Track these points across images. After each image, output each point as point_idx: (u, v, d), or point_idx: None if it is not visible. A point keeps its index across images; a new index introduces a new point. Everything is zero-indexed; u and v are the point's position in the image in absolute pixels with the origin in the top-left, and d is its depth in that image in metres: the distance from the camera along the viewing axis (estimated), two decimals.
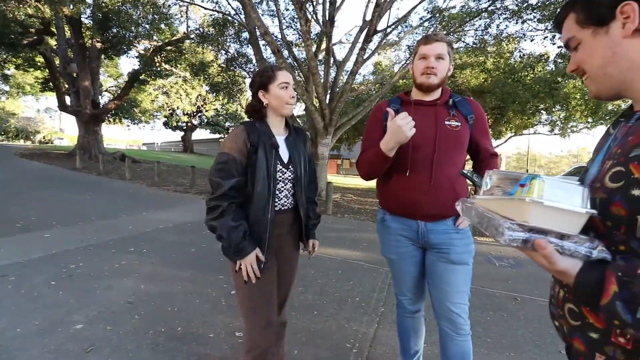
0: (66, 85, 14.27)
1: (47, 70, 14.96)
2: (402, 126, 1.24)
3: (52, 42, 13.92)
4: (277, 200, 1.40)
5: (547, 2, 8.26)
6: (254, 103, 1.43)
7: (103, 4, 12.05)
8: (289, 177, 1.43)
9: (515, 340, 2.40)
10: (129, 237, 4.34)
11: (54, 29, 12.95)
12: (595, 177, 0.64)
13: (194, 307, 2.58)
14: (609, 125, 0.75)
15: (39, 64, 15.48)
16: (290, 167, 1.43)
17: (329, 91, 9.40)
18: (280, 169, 1.40)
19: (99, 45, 13.31)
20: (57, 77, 13.99)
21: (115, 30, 12.66)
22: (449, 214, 1.43)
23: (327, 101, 8.90)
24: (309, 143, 1.60)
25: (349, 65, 9.54)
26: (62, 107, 14.31)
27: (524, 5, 8.70)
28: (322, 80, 8.52)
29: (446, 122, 1.41)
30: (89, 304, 2.51)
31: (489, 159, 1.49)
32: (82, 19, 12.95)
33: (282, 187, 1.42)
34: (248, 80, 12.38)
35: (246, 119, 1.53)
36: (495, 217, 0.60)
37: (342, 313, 2.67)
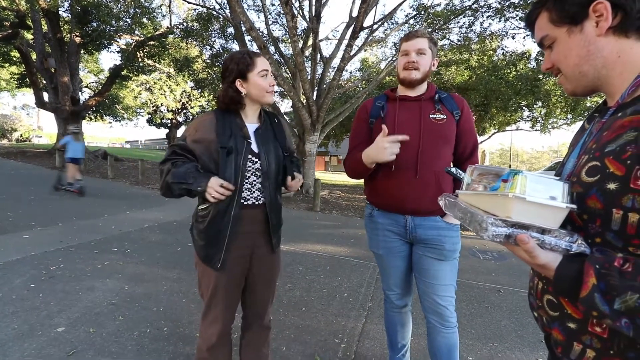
0: (44, 81, 13.76)
1: (23, 66, 14.40)
2: (386, 148, 1.27)
3: (29, 36, 13.40)
4: (248, 193, 1.34)
5: (529, 1, 8.44)
6: (231, 94, 1.32)
7: None
8: (260, 169, 1.35)
9: (499, 331, 2.46)
10: (111, 237, 4.24)
11: (30, 23, 12.46)
12: (572, 171, 0.66)
13: (181, 306, 2.54)
14: (583, 121, 0.77)
15: (14, 59, 14.88)
16: (260, 158, 1.35)
17: (316, 88, 9.37)
18: (251, 159, 1.33)
19: (78, 39, 12.87)
20: (34, 73, 13.48)
21: (95, 24, 12.25)
22: (435, 209, 1.43)
23: (314, 98, 8.88)
24: (287, 131, 1.51)
25: (336, 62, 9.53)
26: (40, 103, 13.81)
27: (507, 4, 8.88)
28: (309, 77, 8.49)
29: (431, 116, 1.42)
30: (70, 306, 2.44)
31: (469, 154, 1.50)
32: (60, 13, 12.49)
33: (254, 180, 1.35)
34: None
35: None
36: (479, 212, 0.61)
37: (330, 309, 2.68)
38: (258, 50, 7.58)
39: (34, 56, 13.24)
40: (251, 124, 1.39)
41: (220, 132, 1.29)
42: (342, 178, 18.75)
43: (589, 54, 0.63)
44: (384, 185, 1.46)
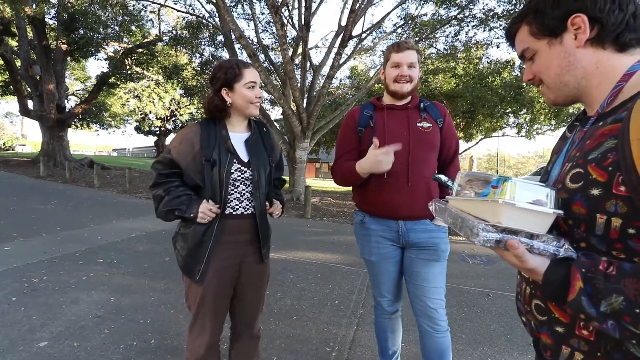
0: (28, 89, 13.46)
1: (7, 73, 14.09)
2: (381, 161, 1.30)
3: (13, 43, 13.14)
4: (237, 202, 1.35)
5: (512, 12, 8.72)
6: (216, 102, 1.33)
7: (69, 4, 11.52)
8: (250, 177, 1.35)
9: (489, 335, 2.48)
10: (97, 247, 4.14)
11: (14, 30, 12.24)
12: (557, 178, 0.68)
13: (168, 318, 2.49)
14: (565, 129, 0.80)
15: None
16: (250, 167, 1.35)
17: (306, 95, 9.42)
18: (239, 168, 1.33)
19: (64, 47, 12.68)
20: (18, 80, 13.19)
21: (82, 32, 12.09)
22: (426, 214, 1.47)
23: (305, 105, 8.92)
24: (276, 142, 1.52)
25: (326, 70, 9.63)
26: (24, 111, 13.49)
27: (491, 14, 9.15)
28: (299, 85, 8.54)
29: (418, 124, 1.47)
30: (53, 319, 2.37)
31: (452, 157, 1.58)
32: (46, 20, 12.32)
33: (244, 189, 1.36)
34: None
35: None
36: (469, 218, 0.62)
37: (321, 317, 2.66)
38: (248, 59, 7.60)
39: (18, 63, 12.98)
40: (240, 134, 1.39)
41: (205, 144, 1.29)
42: (333, 185, 18.77)
43: (569, 64, 0.65)
44: (376, 192, 1.48)
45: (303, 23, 8.57)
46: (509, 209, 0.57)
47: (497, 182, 0.61)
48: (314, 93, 9.40)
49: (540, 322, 0.68)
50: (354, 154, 1.55)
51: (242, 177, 1.34)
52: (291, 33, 10.73)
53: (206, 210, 1.27)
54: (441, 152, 1.54)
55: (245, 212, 1.36)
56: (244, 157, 1.36)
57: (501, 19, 9.08)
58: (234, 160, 1.32)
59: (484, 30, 9.62)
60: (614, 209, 0.54)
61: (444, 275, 1.53)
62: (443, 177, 1.12)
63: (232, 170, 1.32)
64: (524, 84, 11.17)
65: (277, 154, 1.52)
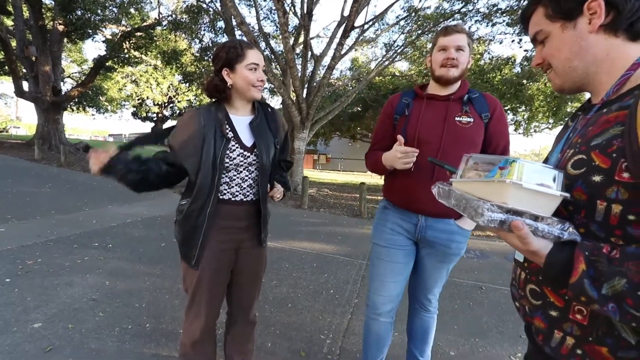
0: (24, 70, 13.20)
1: (2, 53, 13.81)
2: (397, 159, 1.29)
3: (9, 22, 12.85)
4: (238, 189, 1.33)
5: (516, 7, 8.64)
6: (216, 82, 1.29)
7: None
8: (254, 162, 1.32)
9: (480, 327, 2.52)
10: (92, 231, 4.12)
11: (10, 8, 11.95)
12: (556, 165, 0.67)
13: (164, 303, 2.50)
14: (567, 118, 0.80)
15: None
16: (255, 150, 1.32)
17: (306, 85, 9.33)
18: (242, 153, 1.30)
19: (61, 28, 12.42)
20: (13, 61, 12.92)
21: (79, 13, 11.84)
22: (451, 213, 1.38)
23: (304, 95, 8.84)
24: (282, 123, 1.47)
25: (327, 60, 9.50)
26: (19, 93, 13.27)
27: (494, 9, 9.06)
28: (299, 74, 8.45)
29: (456, 119, 1.37)
30: (47, 301, 2.36)
31: None
32: None
33: (247, 175, 1.33)
34: None
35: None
36: (474, 198, 0.62)
37: (316, 305, 2.68)
38: None
39: (13, 43, 12.71)
40: (243, 117, 1.35)
41: (200, 128, 1.25)
42: (330, 176, 18.77)
43: (581, 49, 0.65)
44: (402, 184, 1.44)
45: (305, 11, 8.44)
46: (516, 190, 0.56)
47: (504, 163, 0.60)
48: (314, 83, 9.31)
49: (535, 306, 0.69)
50: (387, 142, 1.48)
51: (246, 163, 1.31)
52: (293, 21, 10.59)
53: (92, 159, 1.21)
54: (486, 150, 1.41)
55: (245, 199, 1.34)
56: (248, 141, 1.32)
57: (505, 15, 9.00)
58: (235, 145, 1.29)
59: (487, 25, 9.60)
60: (614, 195, 0.55)
61: (449, 271, 1.55)
62: (438, 160, 1.08)
63: (235, 156, 1.29)
64: (524, 81, 11.16)
65: (282, 135, 1.46)
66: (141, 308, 2.39)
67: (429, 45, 11.20)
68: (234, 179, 1.32)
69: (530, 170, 0.57)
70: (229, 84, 1.28)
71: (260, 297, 2.66)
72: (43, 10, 12.18)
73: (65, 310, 2.27)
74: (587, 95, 0.73)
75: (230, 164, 1.29)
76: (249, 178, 1.34)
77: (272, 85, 10.14)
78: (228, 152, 1.28)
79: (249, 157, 1.31)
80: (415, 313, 1.65)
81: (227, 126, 1.29)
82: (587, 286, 0.52)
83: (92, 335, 2.02)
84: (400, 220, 1.48)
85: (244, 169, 1.32)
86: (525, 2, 8.53)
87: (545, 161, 0.74)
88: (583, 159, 0.60)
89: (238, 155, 1.30)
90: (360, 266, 3.67)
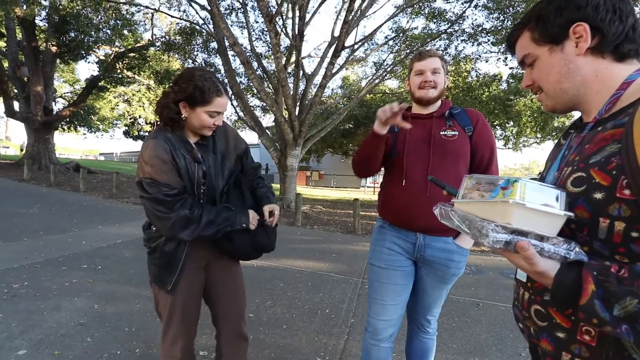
0: (15, 90, 13.17)
1: None
2: (384, 112, 1.28)
3: (1, 43, 12.88)
4: None
5: (500, 27, 9.01)
6: (172, 115, 1.21)
7: (60, 7, 11.39)
8: (204, 189, 1.32)
9: (479, 345, 2.48)
10: (81, 253, 4.02)
11: (3, 30, 12.02)
12: (554, 183, 0.67)
13: (154, 327, 2.42)
14: (559, 137, 0.81)
15: None
16: (205, 176, 1.31)
17: (298, 103, 9.46)
18: (202, 181, 1.30)
19: (54, 49, 12.48)
20: (4, 81, 12.88)
21: (73, 34, 11.95)
22: (448, 228, 1.34)
23: (297, 113, 8.95)
24: (231, 137, 1.43)
25: (318, 79, 9.70)
26: (10, 113, 13.15)
27: (479, 29, 9.43)
28: (291, 93, 8.57)
29: (442, 133, 1.42)
30: (33, 326, 2.27)
31: (486, 167, 1.45)
32: (37, 21, 12.14)
33: (203, 199, 1.33)
34: None
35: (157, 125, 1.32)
36: (477, 219, 0.60)
37: (311, 326, 2.63)
38: (242, 66, 7.56)
39: (5, 64, 12.71)
40: (193, 141, 1.32)
41: (172, 157, 1.21)
42: (324, 192, 18.76)
43: (569, 72, 0.66)
44: (395, 200, 1.46)
45: (297, 32, 8.65)
46: (520, 210, 0.56)
47: (507, 183, 0.59)
48: (306, 101, 9.45)
49: (540, 328, 0.67)
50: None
51: (204, 189, 1.32)
52: (285, 42, 10.82)
53: (255, 219, 1.33)
54: (472, 162, 1.45)
55: None
56: (203, 166, 1.31)
57: (489, 34, 9.37)
58: (202, 170, 1.29)
59: (473, 45, 9.91)
60: (617, 212, 0.54)
61: (448, 291, 1.53)
62: (438, 180, 1.08)
63: (201, 181, 1.29)
64: (512, 97, 11.49)
65: (240, 148, 1.45)
66: (131, 332, 2.31)
67: None
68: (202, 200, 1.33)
69: (532, 190, 0.57)
70: (183, 116, 1.23)
71: (253, 319, 2.60)
72: (36, 31, 12.28)
73: (51, 335, 2.19)
74: (575, 112, 0.74)
75: (204, 188, 1.31)
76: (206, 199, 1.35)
77: (265, 104, 10.25)
78: (201, 175, 1.30)
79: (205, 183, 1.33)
80: (413, 334, 1.62)
81: (195, 150, 1.28)
82: (598, 307, 0.51)
83: None
84: (398, 240, 1.47)
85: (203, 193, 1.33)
86: (509, 23, 8.90)
87: (541, 179, 0.74)
88: (583, 176, 0.60)
89: (201, 184, 1.31)
90: (355, 284, 3.63)
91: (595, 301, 0.51)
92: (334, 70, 8.96)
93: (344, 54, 10.01)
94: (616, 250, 0.56)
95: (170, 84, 1.28)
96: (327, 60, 8.75)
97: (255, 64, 9.77)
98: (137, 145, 34.84)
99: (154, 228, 1.30)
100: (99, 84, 14.30)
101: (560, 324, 0.63)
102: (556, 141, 0.83)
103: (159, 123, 1.30)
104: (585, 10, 0.63)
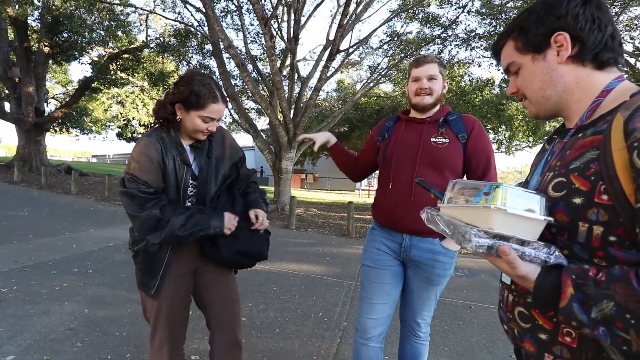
0: (6, 91, 13.00)
1: None
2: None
3: None
4: None
5: (492, 33, 9.15)
6: (167, 115, 1.24)
7: (54, 7, 11.29)
8: (195, 192, 1.32)
9: (470, 347, 2.50)
10: (72, 256, 3.97)
11: None
12: (537, 188, 0.70)
13: (146, 331, 2.39)
14: (544, 142, 0.83)
15: None
16: (197, 179, 1.31)
17: (293, 106, 9.48)
18: (192, 183, 1.30)
19: (46, 49, 12.36)
20: None
21: (66, 35, 11.84)
22: (431, 231, 1.40)
23: (292, 116, 8.97)
24: (228, 144, 1.43)
25: (313, 82, 9.74)
26: (1, 114, 12.99)
27: (472, 35, 9.56)
28: (286, 95, 8.59)
29: (432, 139, 1.43)
30: (22, 331, 2.24)
31: (482, 174, 1.44)
32: (29, 21, 12.01)
33: (195, 202, 1.33)
34: None
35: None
36: (461, 224, 0.62)
37: (304, 330, 2.62)
38: (237, 68, 7.55)
39: None
40: (186, 142, 1.34)
41: (161, 157, 1.23)
42: (318, 195, 18.76)
43: (552, 79, 0.68)
44: (384, 203, 1.51)
45: (292, 36, 8.69)
46: (501, 215, 0.58)
47: (489, 188, 0.61)
48: (301, 104, 9.47)
49: (524, 329, 0.69)
50: (365, 157, 1.66)
51: (194, 191, 1.33)
52: (280, 45, 10.85)
53: (230, 222, 1.27)
54: (467, 170, 1.45)
55: None
56: (195, 169, 1.31)
57: (482, 40, 9.52)
58: (190, 174, 1.29)
59: (466, 49, 10.05)
60: (595, 217, 0.56)
61: (439, 293, 1.54)
62: (426, 183, 1.10)
63: (191, 181, 1.30)
64: (504, 101, 11.64)
65: (234, 157, 1.45)
66: (122, 337, 2.29)
67: None
68: (190, 202, 1.33)
69: (513, 195, 0.59)
70: (177, 118, 1.25)
71: (246, 323, 2.59)
72: (29, 32, 12.15)
73: (40, 340, 2.15)
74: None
75: (193, 191, 1.31)
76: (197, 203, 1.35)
77: (260, 107, 10.26)
78: (190, 179, 1.30)
79: (195, 185, 1.33)
80: (405, 338, 1.62)
81: (186, 153, 1.29)
82: (577, 310, 0.53)
83: None
84: (386, 240, 1.51)
85: (191, 197, 1.33)
86: (501, 28, 9.04)
87: (526, 183, 0.76)
88: (563, 181, 0.62)
89: (190, 185, 1.31)
90: (349, 287, 3.63)
91: (574, 304, 0.53)
92: (328, 74, 9.01)
93: (339, 58, 10.07)
94: (595, 253, 0.58)
95: (171, 85, 1.29)
96: (322, 63, 8.80)
97: (250, 67, 9.77)
98: (130, 147, 34.52)
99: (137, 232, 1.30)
100: (92, 85, 14.18)
101: (542, 326, 0.65)
102: (540, 146, 0.85)
103: (153, 123, 1.31)
104: (565, 20, 0.65)
